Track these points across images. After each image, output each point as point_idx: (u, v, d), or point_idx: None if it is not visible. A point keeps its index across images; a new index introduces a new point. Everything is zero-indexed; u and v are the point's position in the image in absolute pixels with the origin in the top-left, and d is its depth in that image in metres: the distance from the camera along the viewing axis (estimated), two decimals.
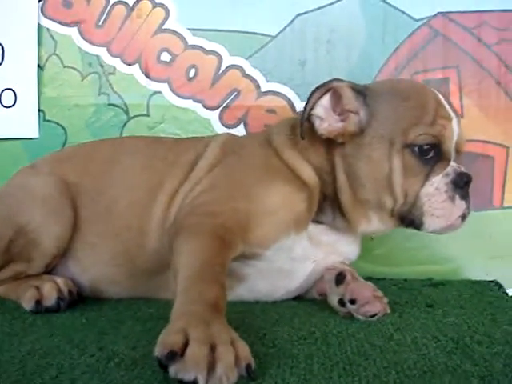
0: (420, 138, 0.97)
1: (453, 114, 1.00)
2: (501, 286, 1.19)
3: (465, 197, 0.99)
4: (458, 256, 1.34)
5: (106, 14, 1.38)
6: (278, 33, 1.35)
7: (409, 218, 0.99)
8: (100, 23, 1.38)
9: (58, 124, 1.40)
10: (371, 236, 1.26)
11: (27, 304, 1.03)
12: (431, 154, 0.98)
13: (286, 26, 1.35)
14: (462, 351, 0.82)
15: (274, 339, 0.87)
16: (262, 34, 1.35)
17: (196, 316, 0.74)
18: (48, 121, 1.40)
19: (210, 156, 1.09)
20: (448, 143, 0.99)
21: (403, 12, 1.33)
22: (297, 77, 1.35)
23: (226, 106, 1.36)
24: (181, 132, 1.36)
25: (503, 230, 1.33)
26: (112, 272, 1.07)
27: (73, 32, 1.39)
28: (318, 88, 1.00)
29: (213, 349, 0.68)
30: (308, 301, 1.10)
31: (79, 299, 1.07)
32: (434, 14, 1.32)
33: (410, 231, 1.29)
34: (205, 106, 1.37)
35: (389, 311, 0.99)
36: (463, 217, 0.99)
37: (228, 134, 1.19)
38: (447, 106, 1.00)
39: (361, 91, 1.01)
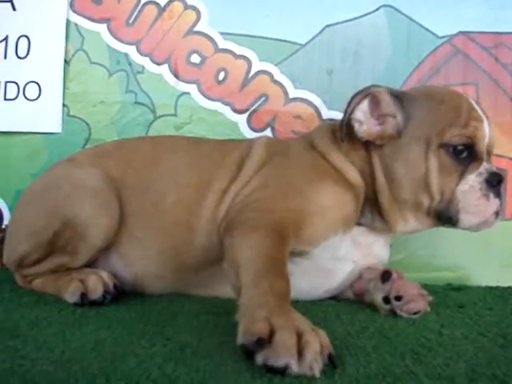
0: (455, 139, 1.02)
1: (484, 117, 1.06)
2: None
3: (498, 195, 1.04)
4: (471, 263, 1.40)
5: (136, 12, 1.39)
6: (308, 42, 1.39)
7: (446, 216, 1.04)
8: (130, 21, 1.39)
9: (81, 120, 1.39)
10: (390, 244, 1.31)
11: (71, 297, 1.01)
12: (465, 154, 1.03)
13: (315, 36, 1.39)
14: None
15: (333, 333, 0.89)
16: (292, 42, 1.39)
17: (275, 306, 0.75)
18: (72, 116, 1.39)
19: (256, 156, 1.12)
20: (480, 144, 1.04)
21: (427, 29, 1.39)
22: (324, 85, 1.39)
23: (254, 110, 1.39)
24: (208, 134, 1.37)
25: None
26: (157, 267, 1.07)
27: (101, 29, 1.38)
28: (357, 93, 1.05)
29: (299, 336, 0.71)
30: (345, 300, 1.13)
31: (122, 293, 1.06)
32: (455, 32, 1.39)
33: (426, 239, 1.38)
34: (233, 109, 1.39)
35: (429, 310, 1.03)
36: (497, 214, 1.04)
37: (268, 136, 1.22)
38: (479, 109, 1.06)
39: (398, 96, 1.06)
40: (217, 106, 1.39)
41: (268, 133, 1.38)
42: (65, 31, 1.37)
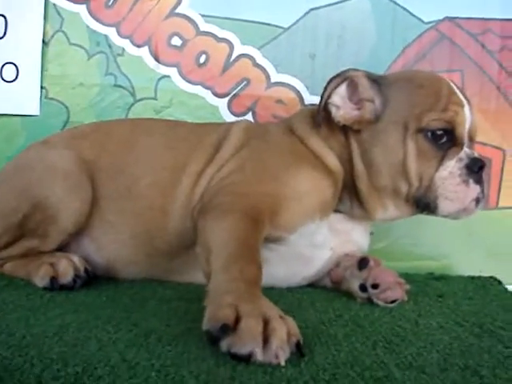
0: (433, 123, 1.00)
1: (465, 102, 1.04)
2: (500, 282, 1.24)
3: (479, 181, 1.01)
4: (454, 253, 1.39)
5: None
6: (291, 25, 1.36)
7: (424, 202, 1.01)
8: (110, 3, 1.35)
9: (60, 102, 1.36)
10: (371, 231, 1.29)
11: (41, 281, 0.99)
12: (444, 140, 1.01)
13: (298, 19, 1.36)
14: (489, 335, 0.86)
15: (305, 321, 0.87)
16: (275, 26, 1.36)
17: (243, 292, 0.74)
18: (50, 98, 1.36)
19: (233, 139, 1.09)
20: (460, 129, 1.02)
21: (412, 14, 1.37)
22: (306, 69, 1.37)
23: (235, 95, 1.36)
24: (188, 117, 1.35)
25: (498, 230, 1.38)
26: (130, 252, 1.05)
27: (81, 9, 1.35)
28: (334, 77, 1.04)
29: (265, 324, 0.69)
30: (321, 288, 1.11)
31: (93, 278, 1.04)
32: (441, 18, 1.37)
33: (408, 228, 1.36)
34: (214, 93, 1.36)
35: (406, 299, 1.01)
36: (477, 201, 1.02)
37: (247, 120, 1.19)
38: (460, 94, 1.04)
39: (376, 80, 1.04)
40: (197, 89, 1.36)
41: (249, 117, 1.35)
42: (43, 11, 1.34)
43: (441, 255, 1.39)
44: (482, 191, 1.03)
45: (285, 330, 0.69)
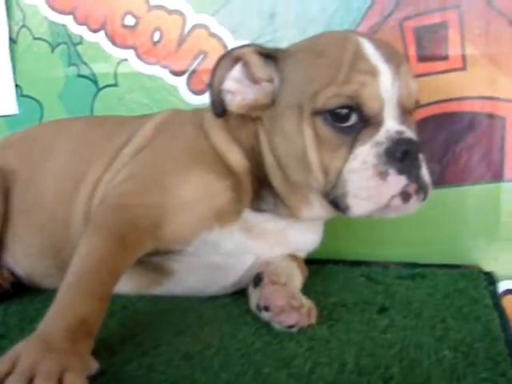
0: (331, 102, 0.78)
1: (382, 66, 0.79)
2: (491, 283, 0.97)
3: (406, 170, 0.78)
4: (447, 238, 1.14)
5: None
6: None
7: (333, 201, 0.82)
8: None
9: (33, 99, 1.36)
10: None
11: None
12: (353, 121, 0.79)
13: None
14: None
15: (157, 357, 0.76)
16: None
17: (44, 342, 0.66)
18: (25, 96, 1.37)
19: (139, 139, 0.98)
20: (372, 103, 0.79)
21: None
22: (267, 32, 1.17)
23: (193, 71, 1.23)
24: (149, 101, 1.26)
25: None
26: (43, 265, 1.02)
27: (39, 1, 1.32)
28: (222, 58, 0.86)
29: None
30: (245, 297, 0.97)
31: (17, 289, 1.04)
32: None
33: None
34: (171, 72, 1.25)
35: (313, 322, 0.82)
36: (405, 196, 0.79)
37: (175, 109, 1.06)
38: (373, 57, 0.80)
39: (270, 55, 0.85)
40: (155, 70, 1.25)
41: None
42: (5, 8, 1.33)
43: (431, 241, 1.14)
44: (416, 180, 0.80)
45: None
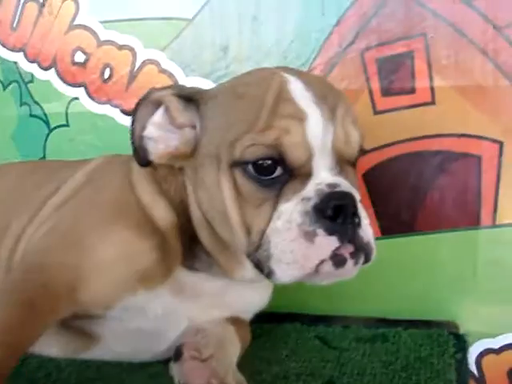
0: (249, 152, 0.68)
1: (312, 109, 0.69)
2: (460, 349, 0.84)
3: (339, 230, 0.66)
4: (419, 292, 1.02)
5: (18, 13, 1.22)
6: (195, 14, 1.09)
7: (257, 265, 0.72)
8: (14, 25, 1.23)
9: None
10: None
11: None
12: (277, 173, 0.69)
13: (203, 6, 1.08)
14: None
15: None
16: (178, 18, 1.10)
17: None
18: None
19: (67, 188, 0.90)
20: (296, 153, 0.68)
21: None
22: (219, 67, 1.08)
23: None
24: (101, 143, 1.18)
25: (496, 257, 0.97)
26: None
27: None
28: (141, 102, 0.77)
29: None
30: None
31: None
32: None
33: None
34: (122, 111, 1.16)
35: None
36: (338, 261, 0.67)
37: (109, 156, 0.97)
38: (300, 98, 0.69)
39: (191, 96, 0.75)
40: (106, 109, 1.17)
41: None
42: None
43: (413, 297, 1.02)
44: (353, 241, 0.68)
45: None
